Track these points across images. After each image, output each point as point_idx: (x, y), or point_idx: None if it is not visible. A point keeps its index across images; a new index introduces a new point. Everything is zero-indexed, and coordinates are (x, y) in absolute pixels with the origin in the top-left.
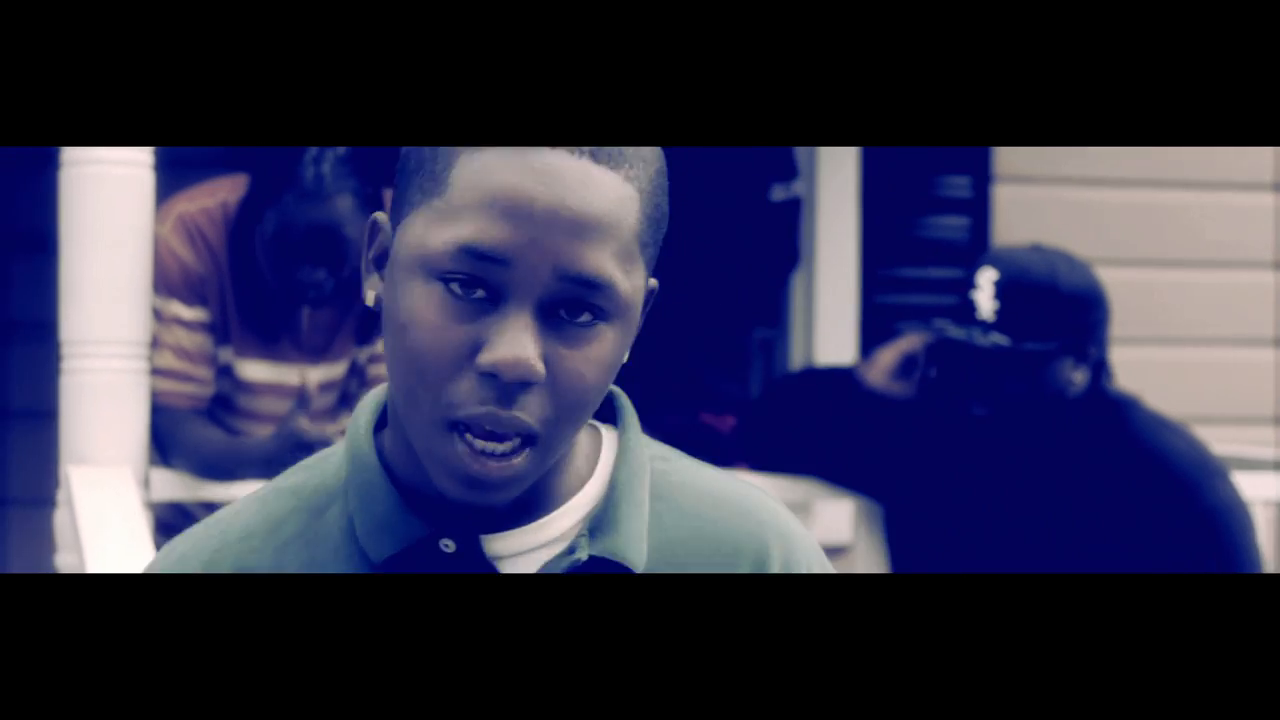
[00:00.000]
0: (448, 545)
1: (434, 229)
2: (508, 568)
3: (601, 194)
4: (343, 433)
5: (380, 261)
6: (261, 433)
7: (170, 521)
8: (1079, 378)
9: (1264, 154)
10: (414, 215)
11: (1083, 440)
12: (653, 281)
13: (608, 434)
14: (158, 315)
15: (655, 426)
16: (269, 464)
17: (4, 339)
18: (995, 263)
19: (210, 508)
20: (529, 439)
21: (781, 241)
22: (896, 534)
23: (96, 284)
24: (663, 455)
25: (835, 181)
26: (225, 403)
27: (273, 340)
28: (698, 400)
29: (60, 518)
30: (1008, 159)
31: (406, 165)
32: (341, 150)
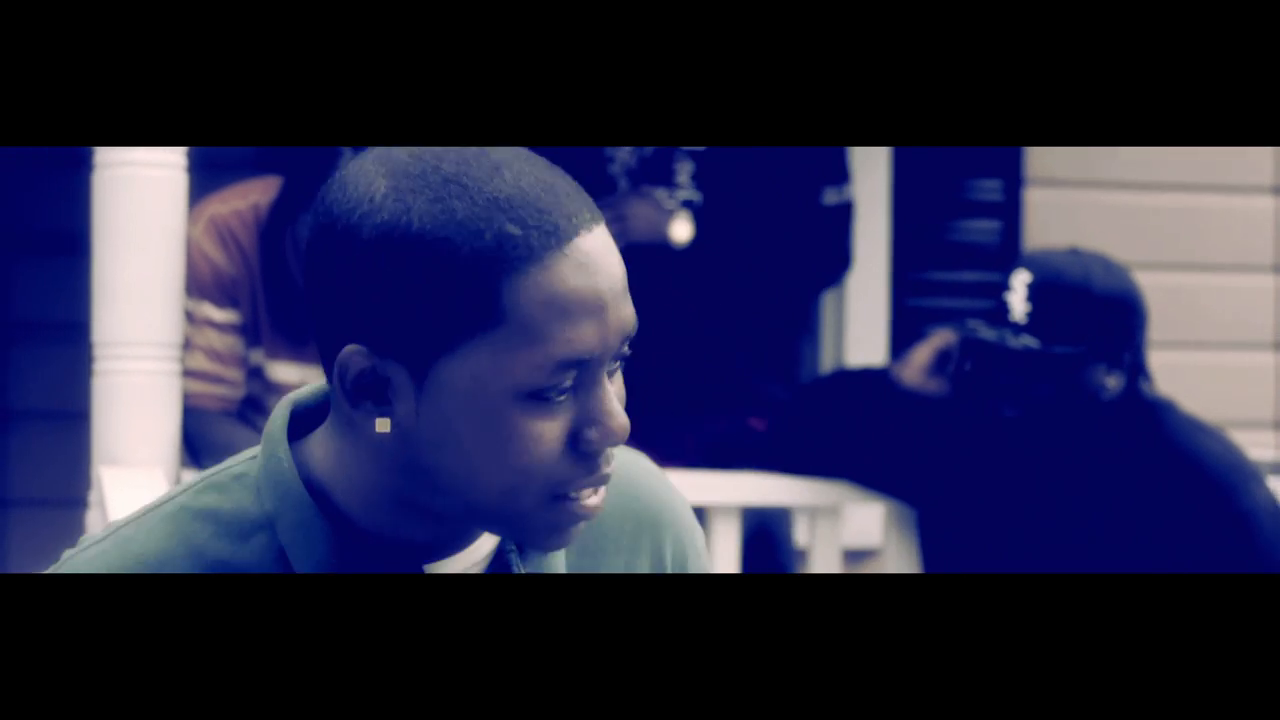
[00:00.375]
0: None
1: (510, 357)
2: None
3: (613, 246)
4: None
5: (368, 391)
6: None
7: None
8: (1112, 382)
9: None
10: (467, 350)
11: (1117, 443)
12: None
13: None
14: (189, 317)
15: (703, 431)
16: None
17: (35, 340)
18: (1029, 265)
19: None
20: (606, 482)
21: (833, 246)
22: (928, 537)
23: (129, 285)
24: None
25: (866, 184)
26: (256, 404)
27: (303, 342)
28: (746, 405)
29: (92, 518)
30: (1039, 162)
31: (410, 295)
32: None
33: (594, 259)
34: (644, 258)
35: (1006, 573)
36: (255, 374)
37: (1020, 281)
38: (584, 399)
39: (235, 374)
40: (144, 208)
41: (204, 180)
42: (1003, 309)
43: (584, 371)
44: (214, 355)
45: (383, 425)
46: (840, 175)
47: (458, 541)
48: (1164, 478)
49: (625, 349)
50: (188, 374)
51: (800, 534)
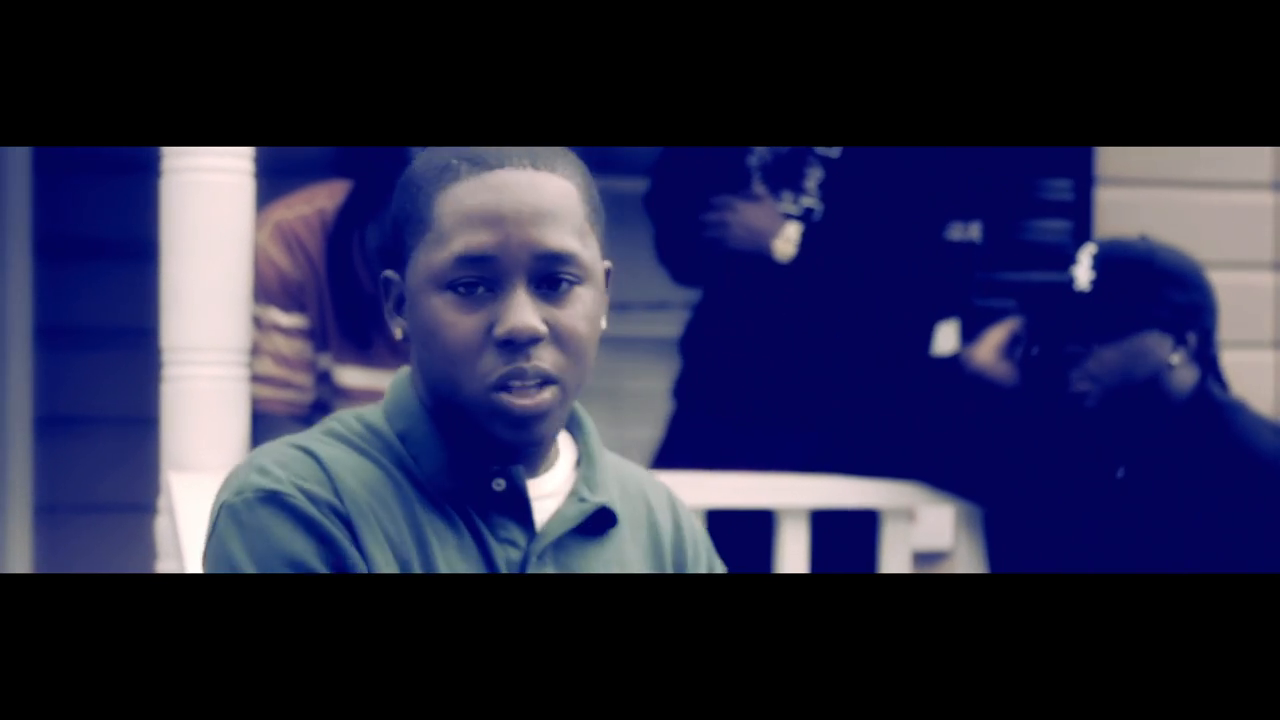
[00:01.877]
0: (499, 484)
1: (432, 254)
2: (537, 508)
3: (548, 191)
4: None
5: (398, 306)
6: None
7: None
8: (1176, 360)
9: None
10: (415, 253)
11: (1188, 444)
12: (607, 263)
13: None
14: (257, 322)
15: (798, 443)
16: None
17: (103, 346)
18: (1097, 242)
19: None
20: (549, 381)
21: (950, 283)
22: (994, 536)
23: (197, 291)
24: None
25: None
26: (324, 409)
27: (369, 346)
28: (839, 417)
29: (161, 524)
30: (1110, 161)
31: (397, 222)
32: None
33: (505, 184)
34: (748, 266)
35: (1073, 573)
36: (323, 378)
37: (1086, 254)
38: (499, 300)
39: (303, 379)
40: (211, 213)
41: (270, 186)
42: (1068, 283)
43: (493, 274)
44: (282, 360)
45: (399, 328)
46: (970, 212)
47: (531, 469)
48: (1234, 478)
49: (564, 271)
50: (256, 379)
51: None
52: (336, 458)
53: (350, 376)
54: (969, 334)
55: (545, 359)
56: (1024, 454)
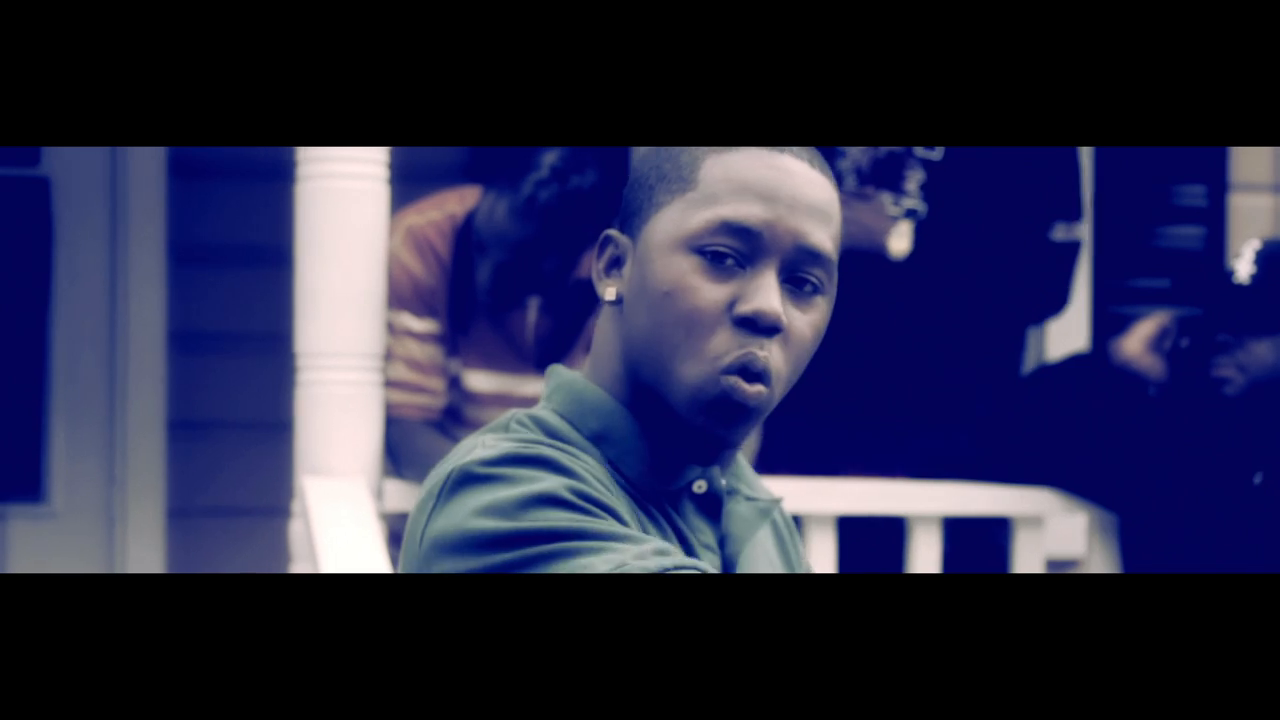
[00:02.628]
0: (700, 486)
1: (691, 213)
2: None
3: (822, 189)
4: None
5: (611, 267)
6: None
7: (403, 533)
8: None
9: None
10: (665, 209)
11: None
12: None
13: None
14: (390, 328)
15: (915, 445)
16: None
17: (238, 351)
18: (1262, 239)
19: None
20: (770, 379)
21: (1053, 282)
22: (1130, 543)
23: (331, 297)
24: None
25: None
26: (454, 414)
27: (498, 351)
28: (958, 420)
29: (295, 528)
30: (1245, 166)
31: (644, 180)
32: (570, 188)
33: (787, 168)
34: (860, 266)
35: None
36: (453, 383)
37: (1249, 248)
38: (749, 277)
39: (436, 383)
40: (345, 219)
41: (403, 191)
42: (1226, 274)
43: (750, 250)
44: (414, 365)
45: (610, 290)
46: (1073, 212)
47: (716, 455)
48: None
49: (814, 274)
50: (389, 384)
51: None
52: (559, 458)
53: (478, 381)
54: (1101, 344)
55: (774, 355)
56: (1163, 455)
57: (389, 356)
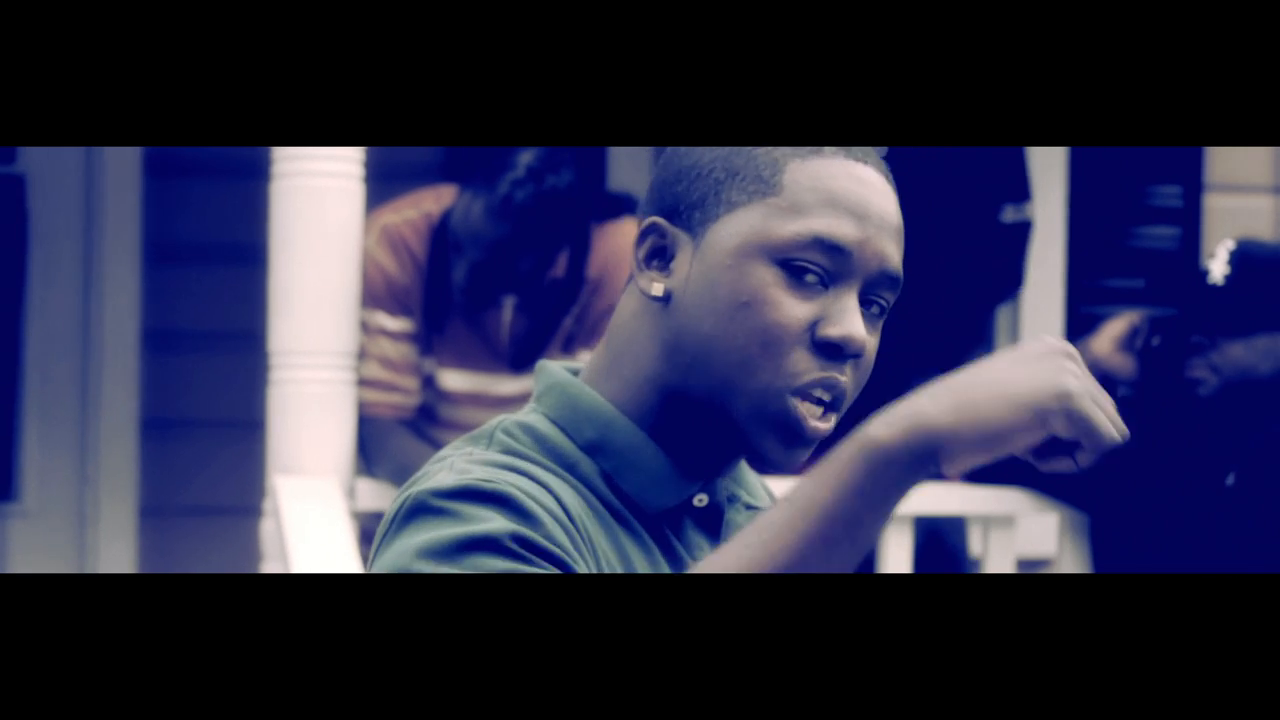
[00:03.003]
0: (701, 500)
1: (777, 221)
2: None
3: (896, 206)
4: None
5: (654, 258)
6: None
7: (375, 531)
8: None
9: None
10: (740, 211)
11: None
12: None
13: None
14: (363, 326)
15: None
16: None
17: (211, 349)
18: (1236, 239)
19: None
20: (836, 410)
21: (1007, 264)
22: (1101, 543)
23: (304, 295)
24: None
25: (1043, 191)
26: (427, 413)
27: (473, 350)
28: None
29: (267, 527)
30: (1221, 166)
31: (705, 173)
32: (546, 187)
33: (871, 183)
34: None
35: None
36: (427, 382)
37: (1223, 248)
38: (832, 298)
39: (410, 382)
40: (320, 218)
41: (378, 190)
42: (1201, 274)
43: (837, 269)
44: (388, 363)
45: (657, 285)
46: (1021, 193)
47: (723, 463)
48: None
49: (886, 298)
50: (362, 383)
51: (974, 543)
52: (520, 498)
53: (452, 380)
54: (1078, 335)
55: (849, 380)
56: (1134, 455)
57: (363, 355)
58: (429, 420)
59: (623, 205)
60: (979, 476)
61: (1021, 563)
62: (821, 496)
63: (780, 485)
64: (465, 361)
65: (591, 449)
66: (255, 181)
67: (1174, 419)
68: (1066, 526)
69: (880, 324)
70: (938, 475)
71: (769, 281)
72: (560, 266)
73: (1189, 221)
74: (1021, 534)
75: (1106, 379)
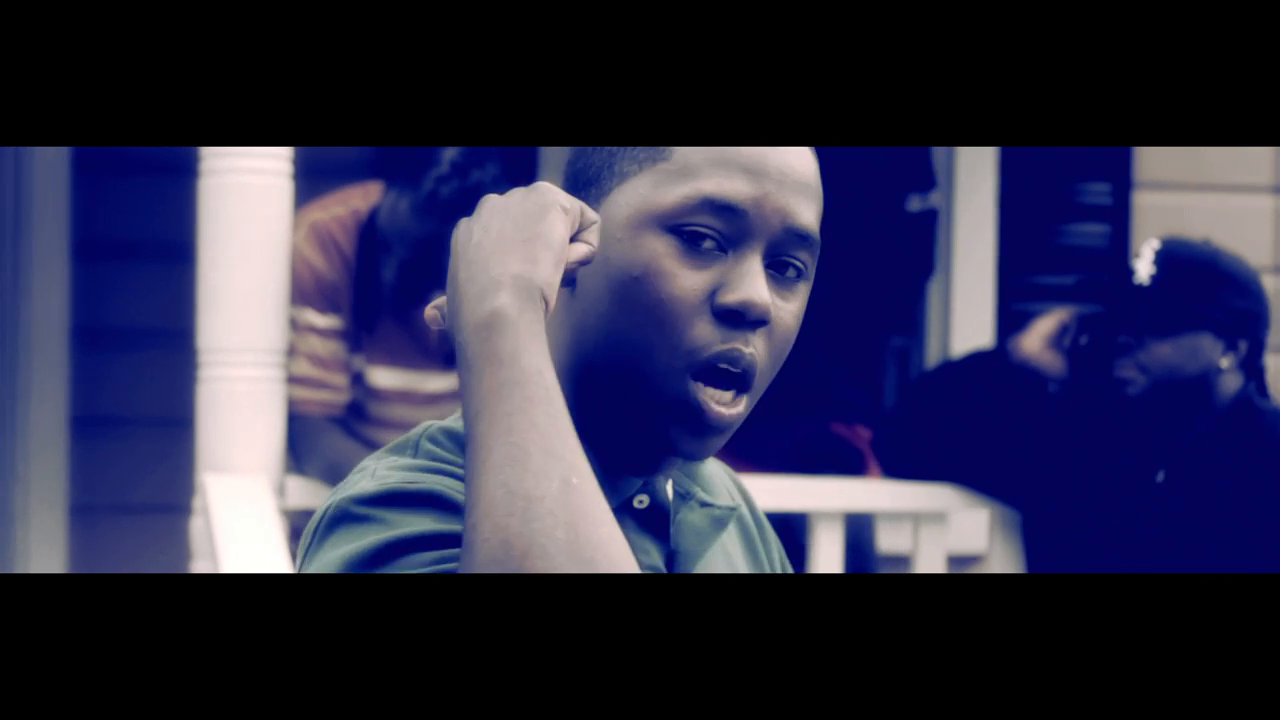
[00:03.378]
0: (642, 501)
1: (665, 187)
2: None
3: (809, 162)
4: None
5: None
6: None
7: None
8: (1225, 364)
9: None
10: (630, 181)
11: (1228, 448)
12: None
13: None
14: (293, 324)
15: (786, 435)
16: None
17: (140, 347)
18: (1161, 239)
19: None
20: (744, 387)
21: (917, 252)
22: (1033, 539)
23: (234, 292)
24: None
25: (974, 188)
26: (357, 410)
27: (402, 347)
28: (829, 410)
29: (196, 525)
30: (1149, 164)
31: (600, 147)
32: (471, 183)
33: (769, 148)
34: None
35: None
36: (357, 379)
37: (1149, 248)
38: (732, 263)
39: (339, 379)
40: (249, 215)
41: (307, 187)
42: (1127, 274)
43: (733, 231)
44: (317, 361)
45: (578, 250)
46: (926, 182)
47: (652, 459)
48: (1275, 485)
49: (799, 258)
50: (291, 380)
51: (903, 540)
52: (448, 493)
53: (383, 377)
54: (1009, 332)
55: (759, 350)
56: (1064, 451)
57: (292, 352)
58: (359, 418)
59: None
60: (910, 473)
61: (952, 559)
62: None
63: (762, 484)
64: (394, 359)
65: None
66: (184, 179)
67: (1104, 416)
68: (997, 523)
69: (800, 288)
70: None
71: (661, 252)
72: None
73: (1118, 219)
74: (953, 530)
75: (1037, 376)
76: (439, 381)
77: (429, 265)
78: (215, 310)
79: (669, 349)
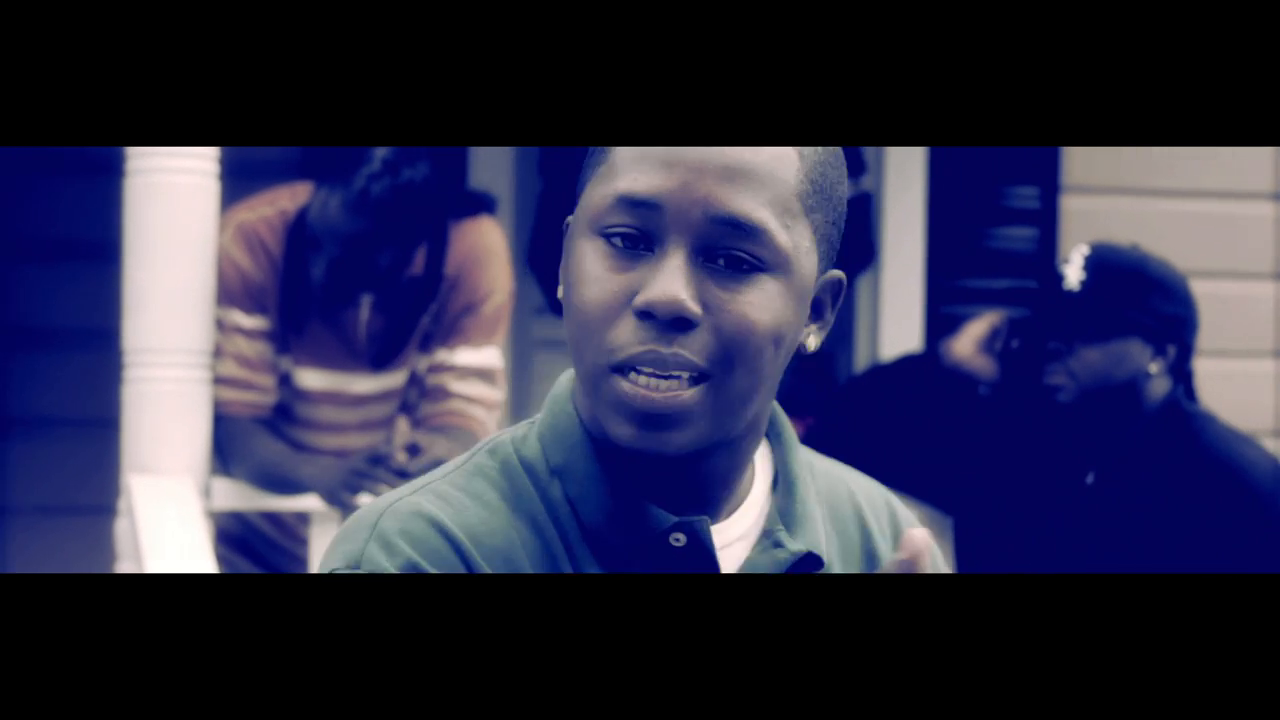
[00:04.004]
0: (678, 539)
1: (596, 189)
2: (722, 559)
3: (754, 149)
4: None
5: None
6: (320, 442)
7: (232, 531)
8: (1154, 369)
9: None
10: (585, 190)
11: (1157, 452)
12: (836, 273)
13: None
14: (219, 324)
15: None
16: (328, 492)
17: (65, 347)
18: (1091, 244)
19: (271, 518)
20: (699, 376)
21: (854, 238)
22: (964, 542)
23: (159, 293)
24: (809, 461)
25: (901, 191)
26: (285, 412)
27: (330, 349)
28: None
29: (121, 527)
30: (1077, 168)
31: (585, 162)
32: (403, 180)
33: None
34: None
35: (1033, 573)
36: (284, 380)
37: (1078, 253)
38: (650, 265)
39: (266, 380)
40: (175, 215)
41: (234, 187)
42: (1057, 279)
43: (652, 227)
44: (244, 362)
45: (561, 287)
46: (856, 167)
47: (713, 510)
48: (1203, 488)
49: (737, 247)
50: (218, 381)
51: None
52: (471, 525)
53: (311, 378)
54: (934, 344)
55: (694, 348)
56: (994, 455)
57: (218, 353)
58: (286, 419)
59: (482, 203)
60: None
61: None
62: None
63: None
64: (323, 360)
65: (559, 473)
66: (110, 178)
67: (1034, 419)
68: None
69: (758, 279)
70: None
71: (589, 256)
72: (418, 264)
73: (1046, 223)
74: None
75: (967, 379)
76: (367, 383)
77: (358, 264)
78: (141, 311)
79: (596, 352)
